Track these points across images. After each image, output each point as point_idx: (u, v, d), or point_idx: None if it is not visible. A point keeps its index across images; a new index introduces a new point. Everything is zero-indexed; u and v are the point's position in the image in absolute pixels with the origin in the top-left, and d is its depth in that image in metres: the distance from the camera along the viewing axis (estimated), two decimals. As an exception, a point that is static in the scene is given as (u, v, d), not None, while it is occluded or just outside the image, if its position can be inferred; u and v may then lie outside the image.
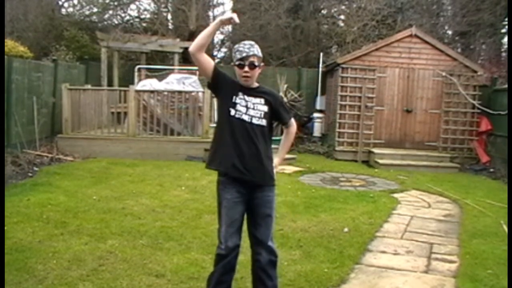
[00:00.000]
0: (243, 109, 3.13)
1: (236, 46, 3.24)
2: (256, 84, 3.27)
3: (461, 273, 4.20)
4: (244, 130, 3.11)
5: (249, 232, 3.22)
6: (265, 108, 3.18)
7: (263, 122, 3.16)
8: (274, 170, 3.27)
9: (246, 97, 3.17)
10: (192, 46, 3.03)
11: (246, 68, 3.12)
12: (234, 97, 3.16)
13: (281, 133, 3.50)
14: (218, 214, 3.21)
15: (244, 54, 3.13)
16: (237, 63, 3.15)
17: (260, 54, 3.21)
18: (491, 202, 6.98)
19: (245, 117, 3.13)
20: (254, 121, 3.14)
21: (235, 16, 3.04)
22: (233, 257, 3.14)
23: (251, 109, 3.15)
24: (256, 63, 3.15)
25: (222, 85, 3.18)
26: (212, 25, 3.07)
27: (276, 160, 3.36)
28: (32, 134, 9.46)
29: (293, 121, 3.44)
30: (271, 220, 3.22)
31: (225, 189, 3.16)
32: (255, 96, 3.20)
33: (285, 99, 12.06)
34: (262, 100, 3.19)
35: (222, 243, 3.13)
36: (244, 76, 3.14)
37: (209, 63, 3.13)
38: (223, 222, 3.16)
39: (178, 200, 6.40)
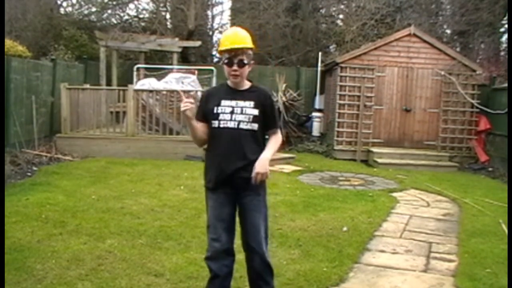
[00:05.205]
0: (227, 116, 2.94)
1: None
2: (247, 85, 3.05)
3: (460, 272, 4.21)
4: (230, 138, 2.93)
5: (241, 237, 3.12)
6: (255, 112, 2.96)
7: (254, 126, 2.95)
8: (256, 170, 2.89)
9: (231, 102, 2.96)
10: (198, 146, 3.21)
11: (235, 67, 2.93)
12: (215, 108, 2.97)
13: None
14: (207, 221, 3.08)
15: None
16: (225, 61, 2.94)
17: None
18: (490, 201, 6.99)
19: (231, 124, 2.93)
20: (242, 126, 2.93)
21: (186, 106, 2.88)
22: (224, 279, 3.03)
23: (238, 114, 2.94)
24: (246, 61, 2.94)
25: (206, 110, 3.02)
26: (187, 123, 2.99)
27: (260, 158, 2.92)
28: (30, 134, 9.44)
29: (278, 132, 3.10)
30: (260, 227, 3.06)
31: (211, 191, 3.07)
32: (244, 99, 2.97)
33: (284, 99, 12.04)
34: (252, 103, 2.97)
35: (209, 245, 3.01)
36: (233, 75, 2.96)
37: (206, 127, 3.03)
38: (210, 223, 3.04)
39: (177, 200, 6.40)
